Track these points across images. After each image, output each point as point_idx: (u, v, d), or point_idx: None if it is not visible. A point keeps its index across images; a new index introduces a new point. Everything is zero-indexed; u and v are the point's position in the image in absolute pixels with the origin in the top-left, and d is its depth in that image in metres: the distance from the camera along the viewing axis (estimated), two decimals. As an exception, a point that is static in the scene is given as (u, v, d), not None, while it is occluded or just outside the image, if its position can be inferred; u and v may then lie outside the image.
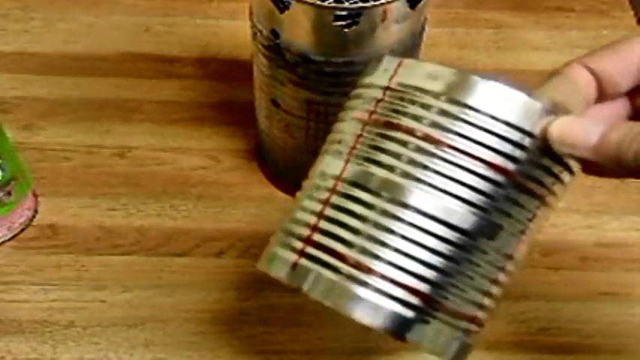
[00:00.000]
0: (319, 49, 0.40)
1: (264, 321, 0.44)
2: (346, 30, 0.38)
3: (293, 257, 0.29)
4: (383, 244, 0.27)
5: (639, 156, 0.25)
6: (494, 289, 0.29)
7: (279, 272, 0.29)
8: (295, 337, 0.44)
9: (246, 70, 0.47)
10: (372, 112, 0.28)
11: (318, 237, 0.28)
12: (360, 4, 0.38)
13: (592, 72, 0.29)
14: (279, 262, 0.29)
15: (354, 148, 0.28)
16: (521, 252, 0.29)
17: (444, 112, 0.27)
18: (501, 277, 0.29)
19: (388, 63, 0.29)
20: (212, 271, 0.46)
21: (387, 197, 0.27)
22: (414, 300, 0.27)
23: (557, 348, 0.44)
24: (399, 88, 0.28)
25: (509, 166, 0.27)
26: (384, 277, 0.27)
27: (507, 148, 0.27)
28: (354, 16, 0.38)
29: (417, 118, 0.27)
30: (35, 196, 0.49)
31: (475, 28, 0.63)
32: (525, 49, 0.61)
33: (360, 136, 0.28)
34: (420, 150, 0.27)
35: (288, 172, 0.50)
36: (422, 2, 0.39)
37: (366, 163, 0.28)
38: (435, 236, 0.27)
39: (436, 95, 0.27)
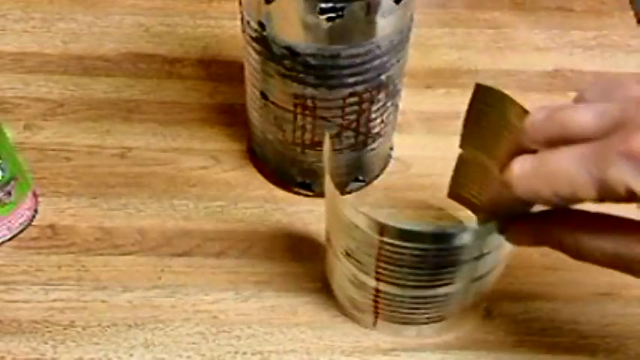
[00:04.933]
0: (305, 41, 0.40)
1: (264, 321, 0.44)
2: (331, 23, 0.38)
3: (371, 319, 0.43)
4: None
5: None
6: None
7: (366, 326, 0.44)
8: (295, 337, 0.44)
9: (246, 71, 0.47)
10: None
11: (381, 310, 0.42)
12: None
13: None
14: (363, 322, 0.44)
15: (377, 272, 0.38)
16: None
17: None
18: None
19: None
20: (212, 271, 0.46)
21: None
22: None
23: (556, 348, 0.44)
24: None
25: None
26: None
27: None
28: (339, 9, 0.38)
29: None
30: (35, 196, 0.49)
31: (475, 28, 0.63)
32: (525, 49, 0.61)
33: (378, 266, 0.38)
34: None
35: (278, 165, 0.50)
36: (405, -2, 0.40)
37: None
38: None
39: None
